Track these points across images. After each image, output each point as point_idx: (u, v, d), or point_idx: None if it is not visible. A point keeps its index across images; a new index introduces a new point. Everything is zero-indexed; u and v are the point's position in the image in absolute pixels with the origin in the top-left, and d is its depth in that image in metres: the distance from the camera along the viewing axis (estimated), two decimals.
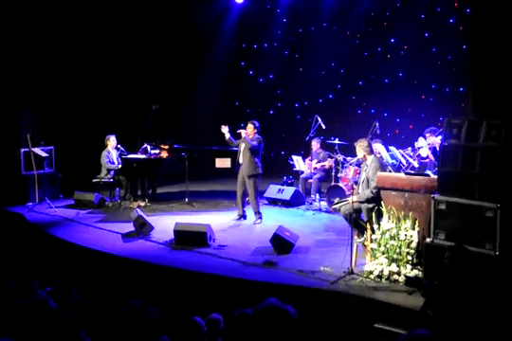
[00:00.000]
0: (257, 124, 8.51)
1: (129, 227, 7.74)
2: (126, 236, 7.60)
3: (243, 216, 8.66)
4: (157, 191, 10.58)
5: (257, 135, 8.44)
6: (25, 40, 10.78)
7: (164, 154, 10.15)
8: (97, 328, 2.75)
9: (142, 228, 7.56)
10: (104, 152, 9.87)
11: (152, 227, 7.62)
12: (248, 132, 8.42)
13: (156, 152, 10.14)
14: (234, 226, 8.31)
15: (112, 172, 9.86)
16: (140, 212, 7.89)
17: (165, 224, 8.00)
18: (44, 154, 9.83)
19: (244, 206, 8.67)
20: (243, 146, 8.42)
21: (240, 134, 8.33)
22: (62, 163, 10.42)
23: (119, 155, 10.01)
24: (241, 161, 8.54)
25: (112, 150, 9.98)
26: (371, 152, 6.93)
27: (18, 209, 9.11)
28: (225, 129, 8.51)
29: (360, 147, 6.86)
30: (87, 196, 9.52)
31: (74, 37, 11.41)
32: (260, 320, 2.29)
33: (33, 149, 9.70)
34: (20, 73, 10.69)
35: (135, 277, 6.38)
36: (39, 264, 6.80)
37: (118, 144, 10.03)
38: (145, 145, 10.19)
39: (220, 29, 13.46)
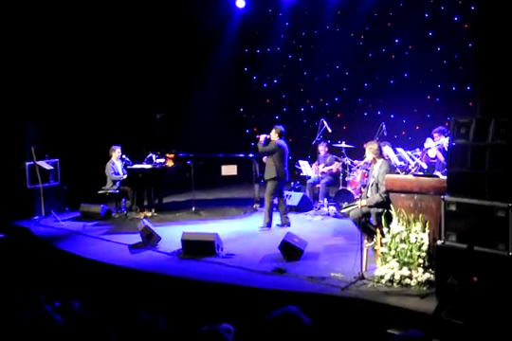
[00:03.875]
0: (281, 129, 8.56)
1: (136, 238, 7.77)
2: (133, 247, 7.62)
3: (286, 224, 8.61)
4: (164, 201, 10.63)
5: (277, 140, 8.48)
6: (27, 51, 10.88)
7: (169, 163, 10.20)
8: None
9: (149, 239, 7.57)
10: (109, 164, 9.93)
11: (159, 238, 7.64)
12: (272, 137, 8.52)
13: (162, 161, 10.19)
14: (242, 234, 8.31)
15: (117, 183, 9.92)
16: (147, 223, 7.92)
17: (172, 233, 8.00)
18: (48, 167, 9.91)
19: (286, 213, 8.65)
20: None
21: (258, 138, 8.42)
22: (67, 175, 10.48)
23: (124, 166, 10.07)
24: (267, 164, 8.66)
25: (116, 161, 10.03)
26: (381, 155, 6.90)
27: (25, 224, 9.16)
28: (262, 136, 8.54)
29: (370, 149, 6.84)
30: (93, 208, 9.57)
31: (76, 45, 11.49)
32: (274, 328, 2.30)
33: (38, 162, 9.77)
34: (22, 84, 10.79)
35: (143, 288, 6.38)
36: (46, 279, 6.83)
37: (122, 154, 10.09)
38: (150, 154, 10.25)
39: (222, 35, 13.53)
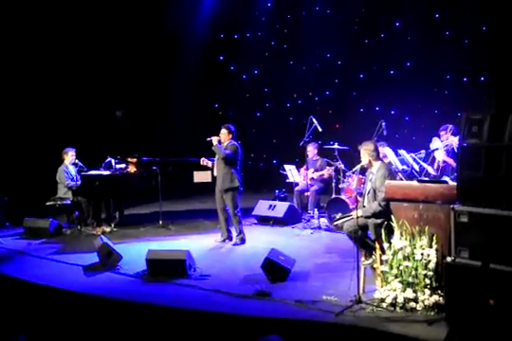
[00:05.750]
0: (232, 128, 8.60)
1: (92, 258, 7.73)
2: (89, 268, 7.56)
3: (228, 237, 8.72)
4: (125, 214, 10.57)
5: (233, 142, 8.52)
6: None
7: (132, 169, 10.18)
8: None
9: (108, 259, 7.54)
10: (62, 168, 9.87)
11: (120, 257, 7.61)
12: (222, 138, 8.52)
13: (122, 166, 10.17)
14: (218, 251, 8.35)
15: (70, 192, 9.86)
16: (105, 239, 7.89)
17: (135, 252, 7.99)
18: None
19: (229, 226, 8.73)
20: (217, 156, 8.51)
21: (210, 141, 8.40)
22: (7, 185, 10.38)
23: (78, 172, 10.02)
24: (215, 173, 8.65)
25: (70, 165, 9.99)
26: (377, 157, 6.97)
27: None
28: (214, 138, 8.50)
29: (366, 151, 6.90)
30: (40, 223, 9.49)
31: (24, 35, 11.45)
32: None
33: None
34: None
35: (102, 317, 6.34)
36: None
37: (76, 159, 10.04)
38: (108, 159, 10.20)
39: (192, 18, 13.53)
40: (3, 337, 3.40)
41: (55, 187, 9.94)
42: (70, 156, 10.01)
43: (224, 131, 8.56)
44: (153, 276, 7.08)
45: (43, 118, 11.72)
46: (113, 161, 10.17)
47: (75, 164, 10.08)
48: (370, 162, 6.92)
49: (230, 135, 8.57)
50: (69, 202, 9.80)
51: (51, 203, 9.84)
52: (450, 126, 8.52)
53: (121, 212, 10.42)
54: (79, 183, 9.87)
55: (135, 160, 10.22)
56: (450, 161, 8.30)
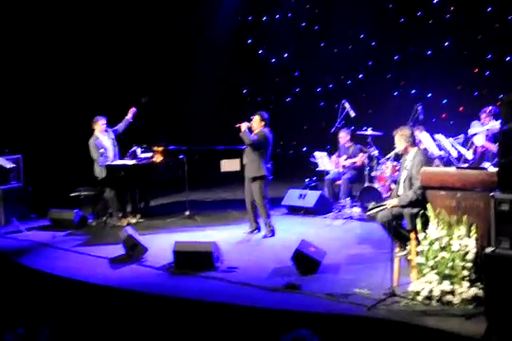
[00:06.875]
0: (265, 115, 8.56)
1: (118, 250, 7.79)
2: (115, 261, 7.64)
3: (257, 228, 8.73)
4: (151, 204, 10.66)
5: (264, 129, 8.50)
6: None
7: (158, 158, 10.21)
8: None
9: (134, 251, 7.62)
10: (91, 141, 9.58)
11: (145, 249, 7.68)
12: (254, 125, 8.49)
13: (148, 155, 10.20)
14: (246, 243, 8.35)
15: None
16: (131, 231, 7.95)
17: (162, 244, 8.03)
18: (9, 165, 9.95)
19: (257, 217, 8.73)
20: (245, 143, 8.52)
21: (239, 128, 8.37)
22: (32, 175, 10.52)
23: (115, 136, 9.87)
24: (244, 161, 8.66)
25: (101, 135, 9.71)
26: (414, 143, 6.90)
27: None
28: (243, 124, 8.43)
29: (402, 136, 6.83)
30: (65, 214, 9.61)
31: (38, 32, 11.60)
32: None
33: None
34: None
35: (127, 310, 6.42)
36: (7, 301, 6.88)
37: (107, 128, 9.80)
38: (134, 147, 10.24)
39: (219, 0, 13.52)
40: (27, 330, 3.48)
41: (80, 177, 9.99)
42: (101, 125, 9.72)
43: (256, 117, 8.53)
44: (179, 268, 7.12)
45: (68, 107, 11.84)
46: (138, 150, 10.21)
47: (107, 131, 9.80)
48: (406, 148, 6.84)
49: (262, 123, 8.52)
50: (94, 193, 9.87)
51: (76, 194, 9.95)
52: (490, 107, 8.38)
53: (147, 203, 10.50)
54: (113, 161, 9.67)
55: (161, 149, 10.24)
56: (491, 146, 8.17)
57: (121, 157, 10.09)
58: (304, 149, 13.66)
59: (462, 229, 5.68)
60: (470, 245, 5.61)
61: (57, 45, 11.98)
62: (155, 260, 7.48)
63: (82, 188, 9.99)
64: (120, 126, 10.03)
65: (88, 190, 9.94)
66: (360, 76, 13.15)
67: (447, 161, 8.32)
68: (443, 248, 5.70)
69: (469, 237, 5.65)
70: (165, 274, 7.10)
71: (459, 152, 8.47)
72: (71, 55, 12.06)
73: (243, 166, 8.99)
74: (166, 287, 6.60)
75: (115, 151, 9.87)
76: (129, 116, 10.03)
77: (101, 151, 9.59)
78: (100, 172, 9.62)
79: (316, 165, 10.68)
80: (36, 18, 11.68)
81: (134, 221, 9.61)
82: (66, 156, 10.57)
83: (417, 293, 5.66)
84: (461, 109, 11.43)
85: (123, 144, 11.03)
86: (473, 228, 5.65)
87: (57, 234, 9.19)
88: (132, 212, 9.90)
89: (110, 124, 9.92)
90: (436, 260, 5.69)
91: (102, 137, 9.75)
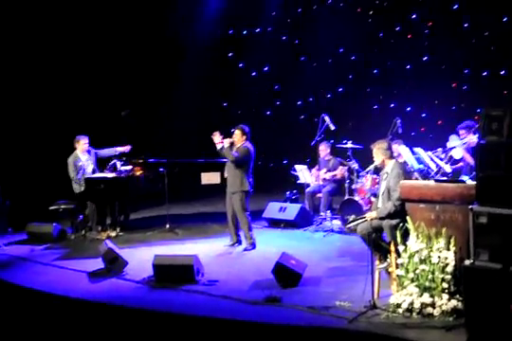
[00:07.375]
0: (246, 129, 8.56)
1: (97, 264, 7.75)
2: (94, 275, 7.59)
3: (237, 241, 8.73)
4: (131, 217, 10.62)
5: (246, 143, 8.50)
6: None
7: (137, 171, 10.21)
8: None
9: (113, 264, 7.57)
10: (69, 160, 9.68)
11: (125, 263, 7.64)
12: (236, 139, 8.49)
13: (128, 168, 10.17)
14: (227, 256, 8.35)
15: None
16: (110, 245, 7.92)
17: (142, 257, 8.01)
18: None
19: (238, 230, 8.73)
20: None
21: (222, 140, 8.37)
22: (9, 189, 10.40)
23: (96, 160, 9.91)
24: (226, 175, 8.66)
25: (82, 155, 9.80)
26: (391, 156, 6.97)
27: None
28: (216, 136, 8.47)
29: (379, 150, 6.89)
30: (43, 228, 9.53)
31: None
32: None
33: None
34: None
35: (107, 325, 6.37)
36: None
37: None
38: (113, 161, 10.22)
39: (200, 14, 13.57)
40: None
41: (58, 190, 9.95)
42: (82, 145, 9.78)
43: (237, 132, 8.51)
44: (159, 282, 7.10)
45: (45, 120, 11.78)
46: (118, 163, 10.18)
47: (89, 151, 9.87)
48: (383, 161, 6.91)
49: (244, 137, 8.51)
50: (73, 206, 9.82)
51: (55, 207, 9.88)
52: (471, 123, 8.48)
53: (127, 216, 10.46)
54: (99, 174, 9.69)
55: (141, 162, 10.24)
56: (469, 159, 8.27)
57: (101, 170, 10.08)
58: (285, 161, 13.70)
59: (441, 242, 5.73)
60: (450, 258, 5.66)
61: (35, 59, 11.92)
62: (136, 274, 7.44)
63: (60, 201, 9.93)
64: (105, 152, 10.06)
65: (67, 204, 9.89)
66: (340, 89, 13.24)
67: (425, 174, 8.39)
68: (422, 261, 5.74)
69: (449, 249, 5.69)
70: (145, 287, 7.07)
71: (437, 166, 8.56)
72: (50, 70, 11.99)
73: (223, 179, 9.01)
74: (146, 301, 6.57)
75: (94, 168, 9.88)
76: (120, 149, 10.04)
77: (76, 175, 9.63)
78: (78, 189, 9.67)
79: (296, 178, 10.73)
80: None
81: (113, 234, 9.55)
82: (44, 170, 10.49)
83: (398, 305, 5.69)
84: (439, 122, 11.55)
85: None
86: (452, 241, 5.70)
87: (35, 248, 9.11)
88: (111, 225, 9.84)
89: (93, 142, 9.94)
90: (416, 272, 5.73)
91: (82, 157, 9.80)
